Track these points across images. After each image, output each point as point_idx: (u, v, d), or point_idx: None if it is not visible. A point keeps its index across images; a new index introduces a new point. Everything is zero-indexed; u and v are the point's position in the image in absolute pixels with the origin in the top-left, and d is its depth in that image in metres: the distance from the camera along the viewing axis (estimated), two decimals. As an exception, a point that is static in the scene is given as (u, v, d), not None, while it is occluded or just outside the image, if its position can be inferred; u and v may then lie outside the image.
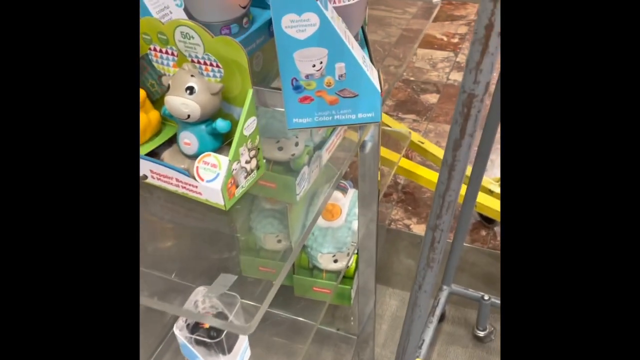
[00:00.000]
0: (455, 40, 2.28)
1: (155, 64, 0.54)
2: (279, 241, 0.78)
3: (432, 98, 1.95)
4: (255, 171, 0.54)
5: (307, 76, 0.58)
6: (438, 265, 0.46)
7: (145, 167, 0.53)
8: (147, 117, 0.55)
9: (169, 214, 0.58)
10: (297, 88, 0.58)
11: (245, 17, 0.74)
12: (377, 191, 0.81)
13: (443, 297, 1.01)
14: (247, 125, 0.50)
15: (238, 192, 0.52)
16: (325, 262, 1.01)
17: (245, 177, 0.53)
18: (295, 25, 0.54)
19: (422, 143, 1.39)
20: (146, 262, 0.58)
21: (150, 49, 0.52)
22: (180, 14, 0.65)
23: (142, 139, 0.55)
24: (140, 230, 0.36)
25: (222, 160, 0.49)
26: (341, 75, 0.58)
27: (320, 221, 0.98)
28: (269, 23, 0.78)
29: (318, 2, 0.53)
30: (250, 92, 0.49)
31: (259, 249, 0.77)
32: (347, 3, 0.63)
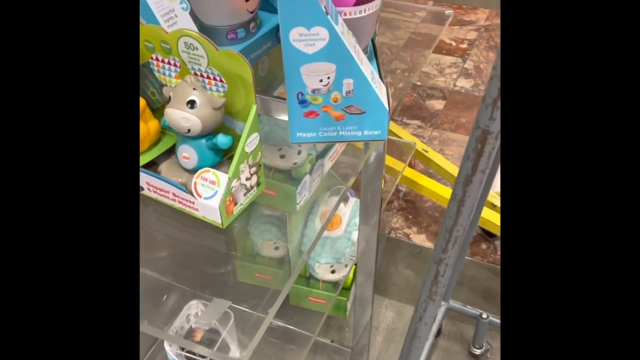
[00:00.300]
0: (464, 45, 2.25)
1: (156, 74, 0.52)
2: (277, 248, 0.77)
3: (437, 104, 1.93)
4: (255, 188, 0.53)
5: (313, 91, 0.56)
6: (440, 298, 0.45)
7: (142, 179, 0.51)
8: (146, 127, 0.53)
9: (164, 226, 0.56)
10: (303, 102, 0.57)
11: (253, 22, 0.72)
12: (379, 202, 0.79)
13: (440, 312, 0.99)
14: (249, 142, 0.48)
15: (236, 209, 0.51)
16: (322, 272, 1.00)
17: (245, 194, 0.51)
18: (303, 39, 0.52)
19: (426, 152, 1.37)
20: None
21: (152, 57, 0.50)
22: (185, 18, 0.63)
23: (140, 148, 0.53)
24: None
25: (221, 177, 0.47)
26: (349, 92, 0.56)
27: (319, 229, 0.96)
28: (277, 28, 0.76)
29: (328, 17, 0.51)
30: (254, 108, 0.48)
31: (256, 255, 0.76)
32: (358, 15, 0.61)
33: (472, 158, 0.36)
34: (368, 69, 0.57)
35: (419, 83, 2.03)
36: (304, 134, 0.59)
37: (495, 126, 0.33)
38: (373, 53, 0.68)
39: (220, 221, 0.49)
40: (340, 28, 0.54)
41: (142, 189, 0.53)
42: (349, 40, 0.54)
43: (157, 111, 0.56)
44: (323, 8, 0.51)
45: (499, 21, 2.47)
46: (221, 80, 0.47)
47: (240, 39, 0.71)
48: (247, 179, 0.50)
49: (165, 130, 0.55)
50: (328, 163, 0.78)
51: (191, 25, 0.64)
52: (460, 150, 1.69)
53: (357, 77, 0.55)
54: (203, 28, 0.67)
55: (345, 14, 0.60)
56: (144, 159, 0.53)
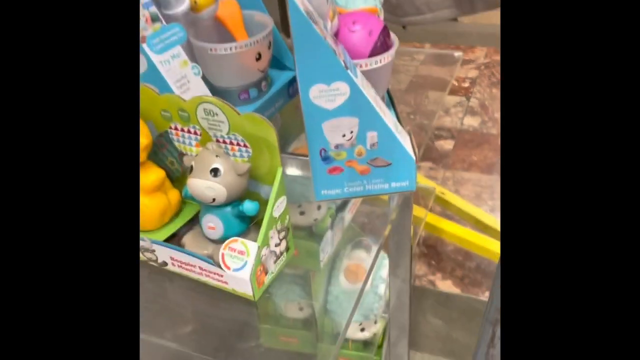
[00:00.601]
0: (467, 84, 2.26)
1: (176, 144, 0.50)
2: (301, 309, 0.74)
3: (447, 144, 1.92)
4: (285, 253, 0.50)
5: (336, 146, 0.54)
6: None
7: (166, 253, 0.49)
8: (167, 198, 0.51)
9: (186, 299, 0.53)
10: (326, 159, 0.55)
11: (264, 81, 0.71)
12: (410, 254, 0.76)
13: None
14: (277, 206, 0.46)
15: (267, 279, 0.48)
16: (351, 331, 0.95)
17: (275, 262, 0.48)
18: (324, 95, 0.51)
19: (443, 194, 1.34)
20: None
21: (170, 127, 0.49)
22: (198, 82, 0.62)
23: (161, 221, 0.51)
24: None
25: (251, 246, 0.45)
26: (373, 144, 0.54)
27: (345, 283, 0.93)
28: (288, 84, 0.75)
29: (348, 71, 0.50)
30: (280, 170, 0.45)
31: (279, 317, 0.73)
32: (374, 66, 0.60)
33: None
34: (390, 119, 0.55)
35: (425, 122, 2.02)
36: (329, 191, 0.57)
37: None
38: (390, 102, 0.67)
39: (251, 293, 0.46)
40: (360, 81, 0.52)
41: (166, 264, 0.50)
42: (369, 92, 0.53)
43: (177, 181, 0.54)
44: (342, 62, 0.50)
45: (498, 57, 2.49)
46: (245, 145, 0.45)
47: (253, 98, 0.70)
48: (276, 245, 0.48)
49: (185, 200, 0.53)
50: (348, 215, 0.76)
51: (204, 90, 0.63)
52: (475, 189, 1.66)
53: (381, 129, 0.53)
54: (214, 91, 0.66)
55: (361, 66, 0.59)
56: (166, 232, 0.51)
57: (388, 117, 0.54)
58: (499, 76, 2.31)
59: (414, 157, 0.55)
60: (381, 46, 0.64)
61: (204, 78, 0.63)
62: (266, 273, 0.47)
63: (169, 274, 0.51)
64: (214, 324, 0.59)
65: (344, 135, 0.53)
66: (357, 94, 0.51)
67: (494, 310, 0.38)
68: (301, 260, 0.67)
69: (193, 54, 0.66)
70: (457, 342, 1.16)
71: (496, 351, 0.40)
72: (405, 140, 0.55)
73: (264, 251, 0.46)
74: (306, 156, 0.61)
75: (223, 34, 0.67)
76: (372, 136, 0.53)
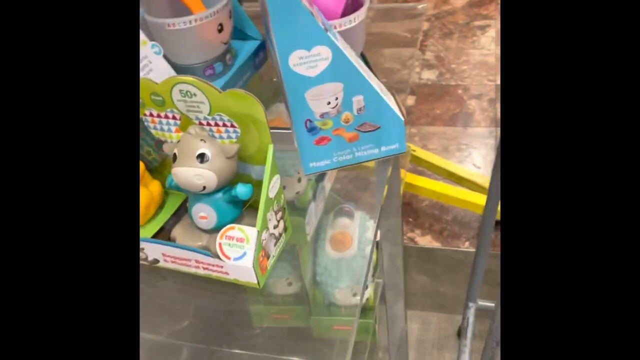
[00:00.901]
0: (419, 35, 2.24)
1: (153, 131, 0.46)
2: (290, 284, 0.72)
3: (409, 100, 1.90)
4: (283, 234, 0.47)
5: (322, 115, 0.51)
6: None
7: (156, 250, 0.45)
8: (149, 191, 0.47)
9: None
10: (312, 130, 0.52)
11: (228, 53, 0.67)
12: (400, 218, 0.75)
13: (471, 315, 0.95)
14: (272, 186, 0.43)
15: (270, 263, 0.45)
16: (343, 297, 0.94)
17: (275, 244, 0.46)
18: (305, 62, 0.47)
19: (414, 151, 1.34)
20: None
21: (145, 114, 0.44)
22: (160, 62, 0.58)
23: (146, 216, 0.47)
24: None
25: (250, 232, 0.42)
26: (360, 109, 0.51)
27: (332, 253, 0.92)
28: (254, 55, 0.71)
29: (328, 34, 0.47)
30: (271, 148, 0.42)
31: (269, 296, 0.71)
32: (348, 26, 0.57)
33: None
34: (375, 81, 0.52)
35: (384, 80, 2.00)
36: (318, 163, 0.54)
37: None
38: (365, 63, 0.64)
39: (256, 281, 0.43)
40: (341, 43, 0.49)
41: (157, 261, 0.46)
42: (351, 54, 0.50)
43: (155, 171, 0.50)
44: (321, 25, 0.46)
45: (447, 7, 2.48)
46: (232, 125, 0.41)
47: (219, 73, 0.66)
48: (275, 227, 0.45)
49: (168, 190, 0.49)
50: (328, 184, 0.74)
51: (169, 70, 0.58)
52: (442, 143, 1.66)
53: (367, 92, 0.50)
54: (176, 70, 0.61)
55: (335, 27, 0.56)
56: (152, 228, 0.47)
57: (372, 79, 0.52)
58: (450, 27, 2.30)
59: (402, 118, 0.53)
60: (352, 4, 0.60)
61: (165, 57, 0.59)
62: (268, 258, 0.44)
63: (158, 270, 0.47)
64: (205, 314, 0.56)
65: (329, 103, 0.50)
66: (340, 58, 0.48)
67: (497, 332, 0.36)
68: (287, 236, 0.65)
69: (149, 33, 0.61)
70: (445, 295, 1.18)
71: None
72: (391, 101, 0.53)
73: (264, 235, 0.43)
74: (285, 129, 0.58)
75: (177, 8, 0.62)
76: (358, 101, 0.50)
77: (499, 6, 2.41)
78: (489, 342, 0.42)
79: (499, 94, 1.87)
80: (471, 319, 0.93)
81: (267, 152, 0.42)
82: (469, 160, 1.56)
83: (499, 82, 1.94)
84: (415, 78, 2.01)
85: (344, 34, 0.56)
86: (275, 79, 0.68)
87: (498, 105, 1.82)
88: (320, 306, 0.97)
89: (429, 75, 2.02)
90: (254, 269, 0.42)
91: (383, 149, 0.55)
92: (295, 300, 0.76)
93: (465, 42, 2.19)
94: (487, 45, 2.16)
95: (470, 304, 0.95)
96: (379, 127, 0.53)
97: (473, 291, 0.93)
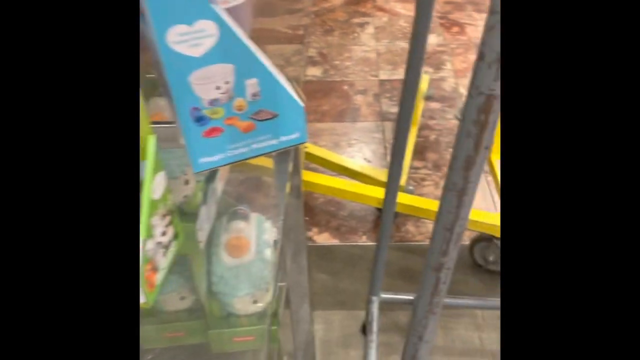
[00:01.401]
0: (301, 32, 2.22)
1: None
2: (182, 298, 0.66)
3: (295, 97, 1.87)
4: (173, 242, 0.40)
5: (211, 102, 0.44)
6: (441, 308, 0.37)
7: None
8: None
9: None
10: (200, 119, 0.45)
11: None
12: (302, 217, 0.70)
13: (375, 308, 0.93)
14: (156, 186, 0.36)
15: (159, 278, 0.38)
16: (243, 305, 0.88)
17: (164, 255, 0.38)
18: (186, 39, 0.40)
19: (306, 147, 1.30)
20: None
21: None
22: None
23: None
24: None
25: (131, 242, 0.34)
26: (254, 94, 0.45)
27: (228, 259, 0.86)
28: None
29: (213, 5, 0.40)
30: (152, 140, 0.35)
31: (159, 313, 0.64)
32: (235, 3, 0.51)
33: (473, 134, 0.28)
34: (270, 63, 0.47)
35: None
36: (210, 158, 0.48)
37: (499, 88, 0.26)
38: (255, 47, 0.58)
39: (144, 300, 0.36)
40: (230, 19, 0.43)
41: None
42: (241, 32, 0.44)
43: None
44: (205, -5, 0.40)
45: (327, 4, 2.49)
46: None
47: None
48: (162, 235, 0.38)
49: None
50: (219, 185, 0.67)
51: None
52: (333, 139, 1.65)
53: (262, 75, 0.45)
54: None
55: (220, 3, 0.49)
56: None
57: (267, 60, 0.46)
58: (330, 24, 2.31)
59: (302, 104, 0.48)
60: (237, -19, 0.54)
61: None
62: (156, 271, 0.37)
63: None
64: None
65: (218, 88, 0.44)
66: (228, 35, 0.42)
67: (437, 254, 0.33)
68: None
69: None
70: (346, 292, 1.15)
71: (440, 298, 0.35)
72: (289, 86, 0.48)
73: (150, 245, 0.36)
74: (167, 123, 0.51)
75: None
76: (252, 84, 0.45)
77: (376, 4, 2.47)
78: (411, 338, 0.39)
79: (383, 89, 1.91)
80: (375, 313, 0.91)
81: (147, 145, 0.35)
82: (360, 155, 1.56)
83: (381, 77, 1.98)
84: (301, 74, 1.99)
85: (231, 13, 0.50)
86: (148, 75, 0.59)
87: (383, 100, 1.85)
88: (218, 318, 0.90)
89: (314, 72, 2.00)
90: (140, 286, 0.35)
91: (282, 139, 0.49)
92: (190, 315, 0.70)
93: (347, 38, 2.21)
94: (367, 42, 2.20)
95: (374, 298, 0.93)
96: (277, 115, 0.47)
97: (375, 285, 0.92)
